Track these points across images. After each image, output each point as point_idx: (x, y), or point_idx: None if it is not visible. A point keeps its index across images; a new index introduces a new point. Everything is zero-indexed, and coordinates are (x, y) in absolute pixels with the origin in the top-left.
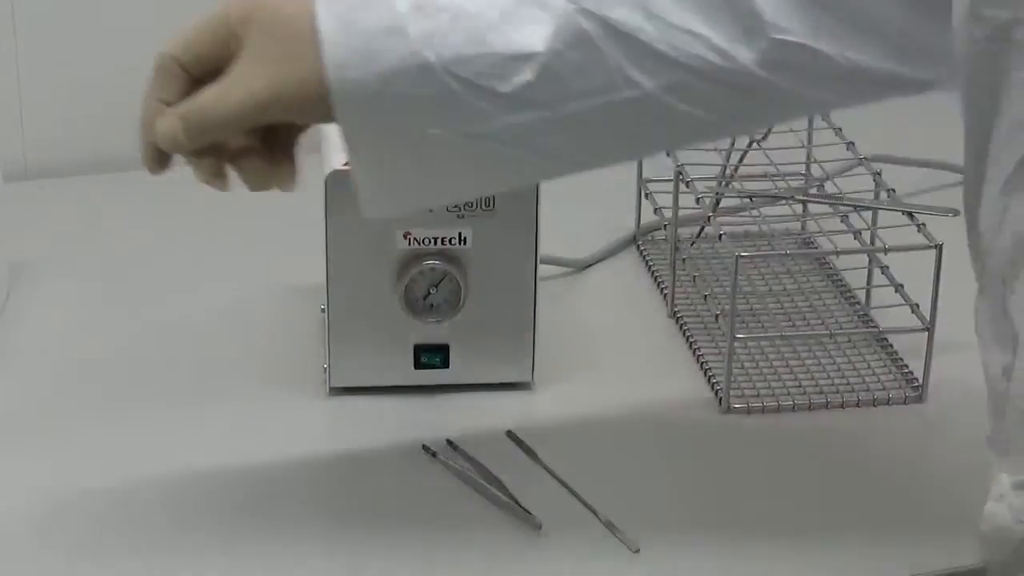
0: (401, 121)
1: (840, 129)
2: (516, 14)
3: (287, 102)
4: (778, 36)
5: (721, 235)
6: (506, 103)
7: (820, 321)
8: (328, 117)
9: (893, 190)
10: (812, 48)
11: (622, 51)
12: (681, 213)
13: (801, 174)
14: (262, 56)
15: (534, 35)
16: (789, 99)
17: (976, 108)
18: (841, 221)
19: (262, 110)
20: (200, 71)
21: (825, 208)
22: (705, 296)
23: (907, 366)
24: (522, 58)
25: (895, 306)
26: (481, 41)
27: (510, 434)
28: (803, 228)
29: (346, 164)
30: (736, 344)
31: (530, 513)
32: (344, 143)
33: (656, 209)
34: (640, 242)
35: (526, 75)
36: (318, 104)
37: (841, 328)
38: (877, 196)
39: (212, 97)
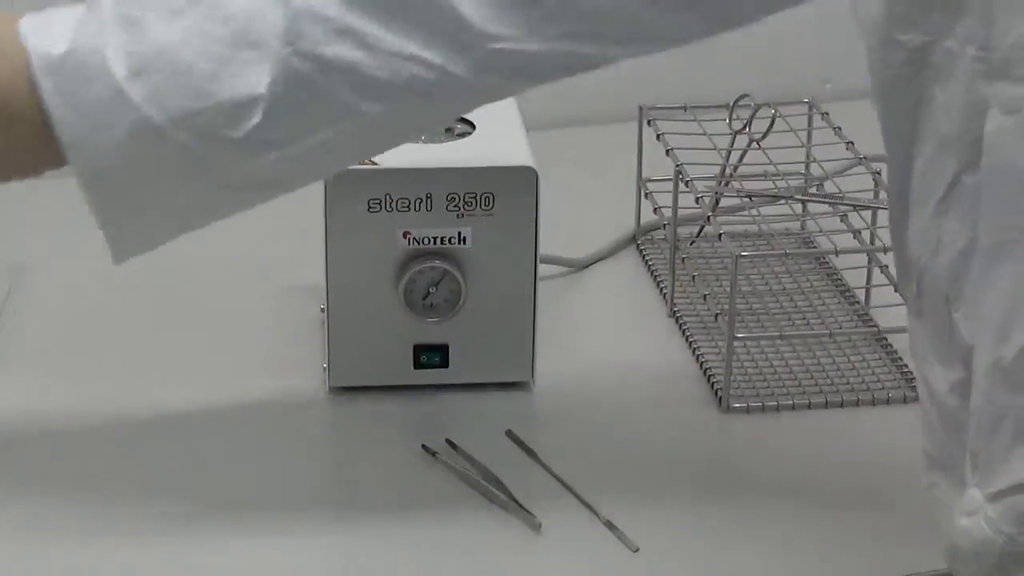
0: (144, 182)
1: (839, 128)
2: (232, 61)
3: (9, 164)
4: (491, 45)
5: (721, 235)
6: (241, 148)
7: (820, 321)
8: (53, 166)
9: None
10: (524, 50)
11: (344, 84)
12: (681, 213)
13: (800, 173)
14: None
15: (254, 79)
16: (506, 91)
17: (897, 132)
18: (841, 220)
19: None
20: None
21: (825, 207)
22: (705, 296)
23: (906, 366)
24: (247, 103)
25: (895, 305)
26: (204, 93)
27: (510, 433)
28: (803, 227)
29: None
30: (736, 344)
31: (530, 512)
32: (89, 206)
33: (656, 209)
34: (640, 242)
35: (254, 118)
36: (47, 164)
37: (841, 328)
38: (876, 195)
39: None
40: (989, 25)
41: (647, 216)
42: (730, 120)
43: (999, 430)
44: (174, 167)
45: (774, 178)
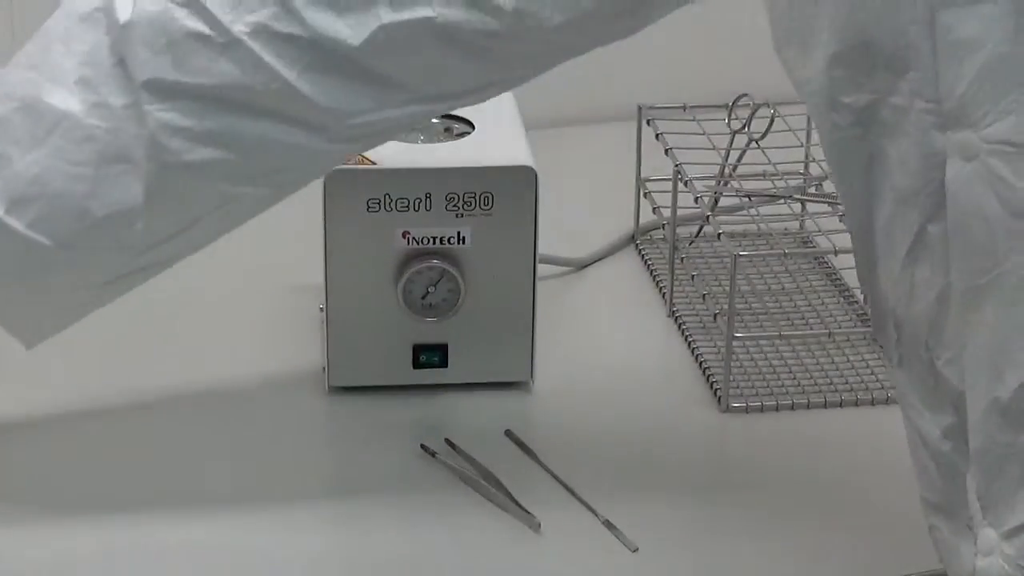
0: (46, 293)
1: None
2: (103, 177)
3: None
4: (349, 122)
5: (720, 234)
6: (131, 250)
7: (819, 320)
8: None
9: None
10: (381, 119)
11: (215, 178)
12: (680, 212)
13: (799, 173)
14: None
15: (129, 192)
16: (368, 147)
17: (854, 190)
18: (839, 220)
19: None
20: None
21: (823, 207)
22: (704, 295)
23: None
24: (128, 214)
25: None
26: (84, 213)
27: (509, 433)
28: (801, 227)
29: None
30: (735, 343)
31: (529, 512)
32: None
33: (655, 208)
34: (639, 241)
35: (138, 224)
36: None
37: (839, 327)
38: None
39: None
40: (936, 78)
41: (646, 216)
42: (729, 120)
43: (1006, 469)
44: (64, 278)
45: (773, 178)
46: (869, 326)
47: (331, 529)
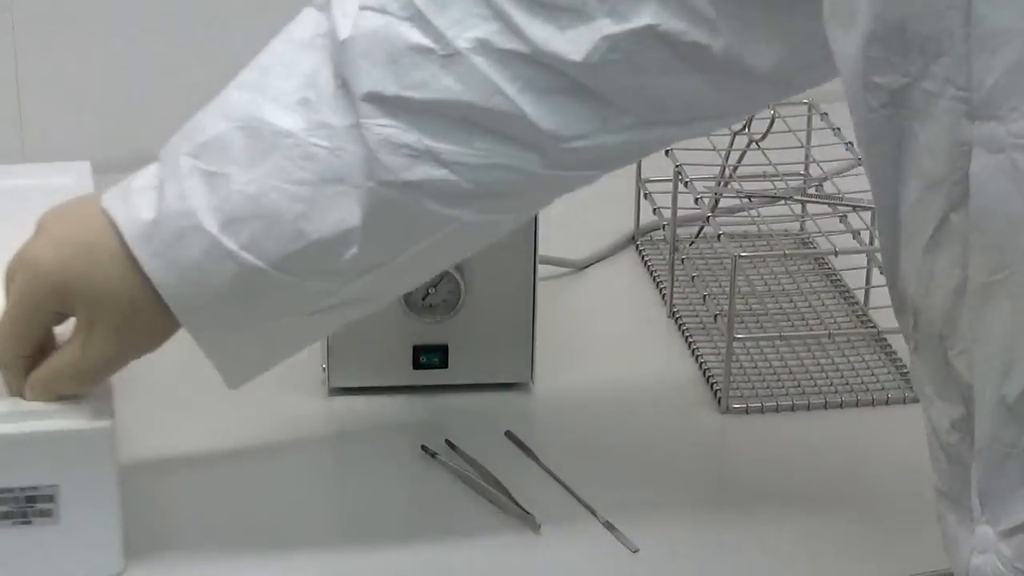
0: (250, 320)
1: (839, 129)
2: (321, 199)
3: (140, 348)
4: (565, 146)
5: (720, 235)
6: (341, 276)
7: (819, 321)
8: (173, 332)
9: None
10: (598, 145)
11: (432, 200)
12: (680, 213)
13: (800, 174)
14: (102, 324)
15: (346, 213)
16: (585, 180)
17: (882, 172)
18: (840, 221)
19: (118, 365)
20: (37, 346)
21: (824, 208)
22: (704, 296)
23: (906, 366)
24: (343, 237)
25: None
26: (299, 234)
27: (509, 434)
28: (802, 228)
29: None
30: (735, 344)
31: (529, 513)
32: (200, 346)
33: (655, 209)
34: (639, 242)
35: (352, 249)
36: (170, 333)
37: (840, 328)
38: None
39: (69, 365)
40: (968, 66)
41: (646, 217)
42: None
43: (1007, 468)
44: (273, 302)
45: (773, 179)
46: (869, 327)
47: (331, 529)
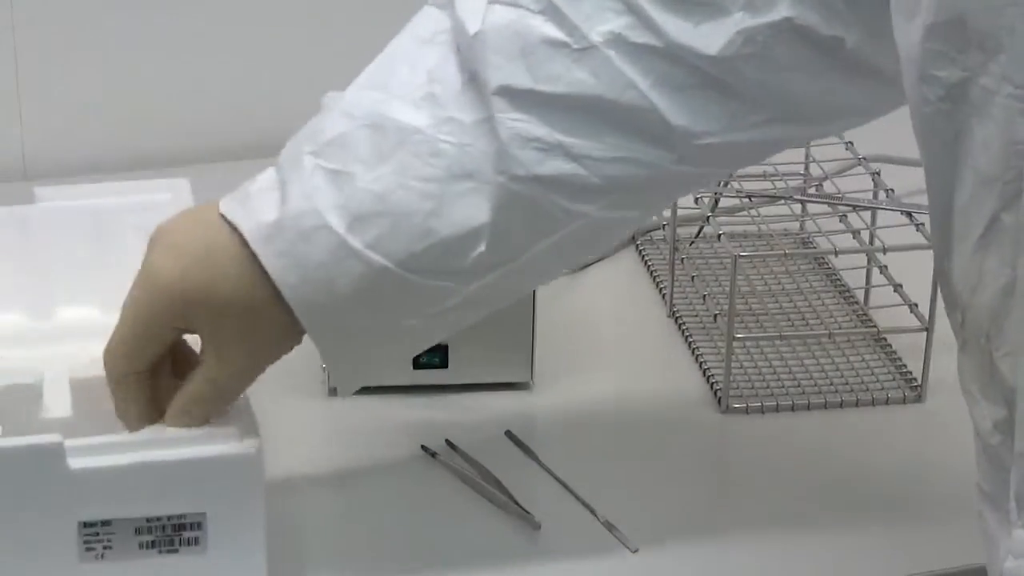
0: (373, 321)
1: None
2: (450, 195)
3: (268, 360)
4: (696, 142)
5: (720, 235)
6: (466, 275)
7: (819, 321)
8: (301, 338)
9: (892, 190)
10: (728, 141)
11: (561, 197)
12: (680, 213)
13: (800, 174)
14: (227, 336)
15: (475, 210)
16: (715, 176)
17: (938, 167)
18: (840, 221)
19: (251, 378)
20: (150, 365)
21: (824, 208)
22: (704, 296)
23: (906, 366)
24: (471, 234)
25: (894, 306)
26: (427, 232)
27: (509, 434)
28: (802, 228)
29: None
30: (735, 344)
31: (529, 513)
32: (320, 351)
33: None
34: (639, 242)
35: (479, 247)
36: (295, 339)
37: (840, 328)
38: (876, 196)
39: (205, 384)
40: None
41: None
42: None
43: None
44: (397, 303)
45: (773, 178)
46: (870, 327)
47: (330, 530)
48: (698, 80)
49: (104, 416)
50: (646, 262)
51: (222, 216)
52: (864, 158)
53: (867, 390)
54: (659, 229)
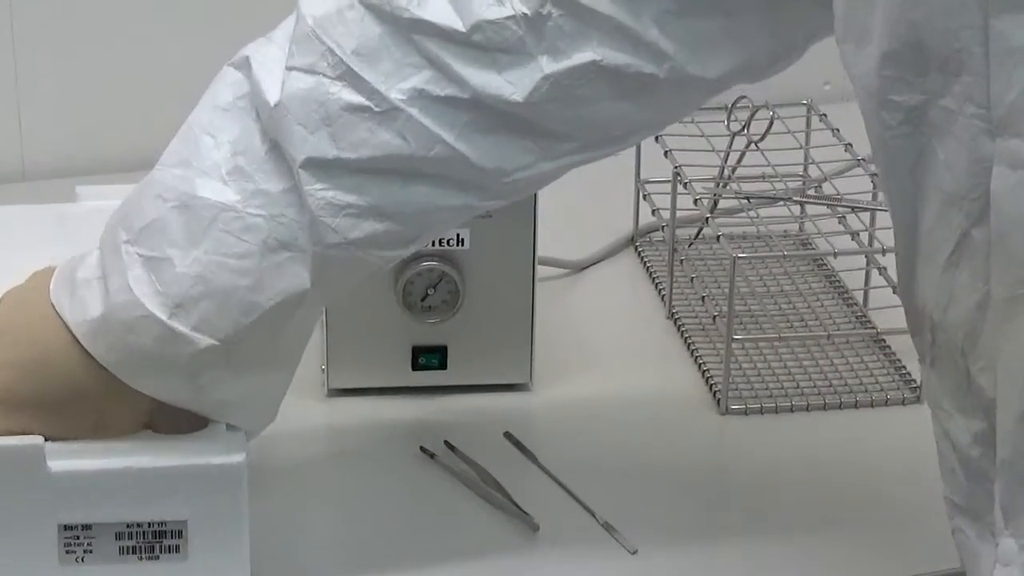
0: (224, 385)
1: (838, 130)
2: (268, 267)
3: (131, 428)
4: (507, 179)
5: (719, 236)
6: (294, 326)
7: (818, 322)
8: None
9: None
10: (538, 173)
11: (377, 249)
12: (679, 214)
13: (799, 175)
14: (77, 430)
15: (295, 278)
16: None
17: (900, 191)
18: (839, 222)
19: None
20: None
21: (823, 209)
22: (703, 297)
23: (905, 367)
24: (295, 299)
25: (893, 307)
26: (251, 307)
27: (508, 435)
28: (801, 229)
29: None
30: (734, 345)
31: (528, 514)
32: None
33: (654, 210)
34: (638, 243)
35: (303, 308)
36: (154, 405)
37: (839, 329)
38: (875, 197)
39: None
40: (988, 82)
41: (645, 218)
42: (728, 121)
43: None
44: (244, 363)
45: (772, 180)
46: (869, 328)
47: (329, 531)
48: (505, 123)
49: None
50: (645, 263)
51: (51, 307)
52: (863, 159)
53: (866, 391)
54: (658, 231)
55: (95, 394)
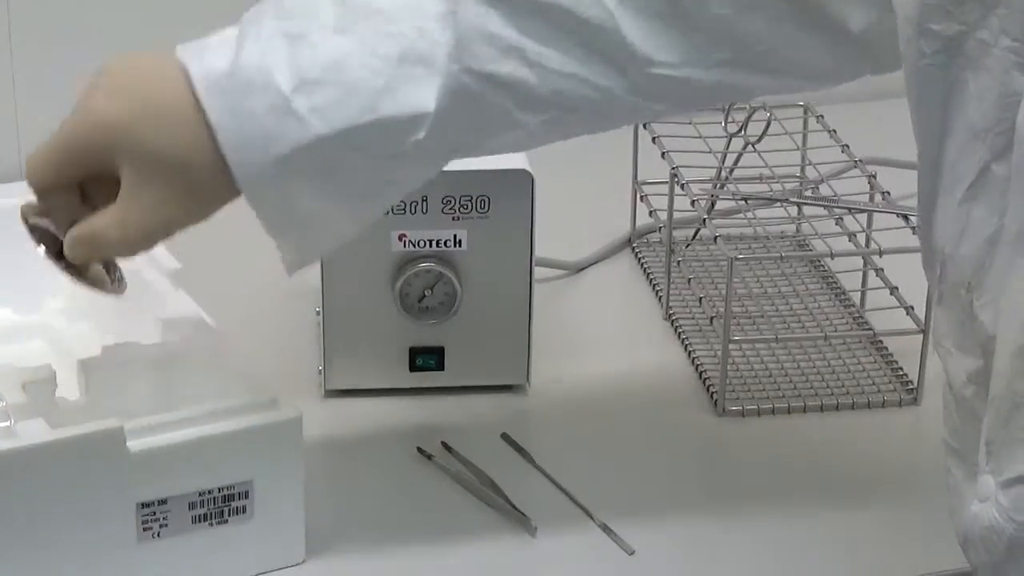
0: (305, 192)
1: (835, 131)
2: (401, 76)
3: (188, 218)
4: (649, 70)
5: (716, 237)
6: (398, 160)
7: (815, 323)
8: (226, 201)
9: (888, 192)
10: (680, 77)
11: (508, 100)
12: (676, 215)
13: (796, 176)
14: (149, 190)
15: (423, 96)
16: (656, 113)
17: (928, 120)
18: (836, 223)
19: (164, 235)
20: (72, 184)
21: (820, 210)
22: (700, 298)
23: (901, 368)
24: (414, 119)
25: (890, 308)
26: (372, 108)
27: (505, 436)
28: (798, 230)
29: None
30: (731, 346)
31: (525, 515)
32: (259, 218)
33: (651, 211)
34: (635, 244)
35: (419, 134)
36: (222, 199)
37: (836, 330)
38: (872, 198)
39: (109, 229)
40: (1023, 16)
41: (643, 219)
42: (725, 123)
43: (1015, 418)
44: (330, 176)
45: (769, 181)
46: (865, 329)
47: (327, 531)
48: (664, 8)
49: (118, 395)
50: (642, 265)
51: (175, 60)
52: (860, 160)
53: (863, 392)
54: (655, 232)
55: (189, 155)
